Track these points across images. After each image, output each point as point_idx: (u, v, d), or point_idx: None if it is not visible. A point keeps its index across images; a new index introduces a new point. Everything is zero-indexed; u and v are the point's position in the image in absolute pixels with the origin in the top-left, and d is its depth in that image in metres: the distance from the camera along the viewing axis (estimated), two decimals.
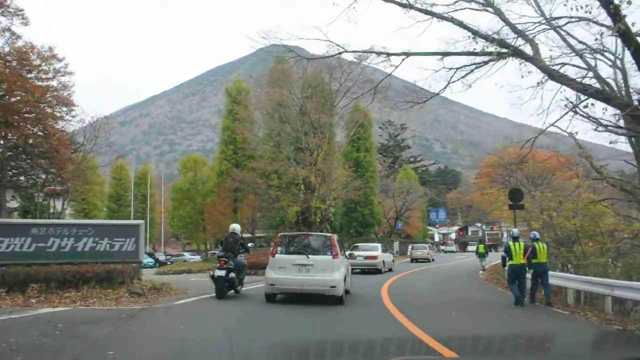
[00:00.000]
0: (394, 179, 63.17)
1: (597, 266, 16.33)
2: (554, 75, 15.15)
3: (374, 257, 27.60)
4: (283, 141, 32.31)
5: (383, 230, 57.44)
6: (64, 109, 24.90)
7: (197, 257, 50.25)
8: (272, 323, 10.32)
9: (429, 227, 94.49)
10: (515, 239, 14.72)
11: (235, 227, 15.52)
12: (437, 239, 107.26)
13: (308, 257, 12.83)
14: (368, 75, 29.73)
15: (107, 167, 42.66)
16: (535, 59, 15.28)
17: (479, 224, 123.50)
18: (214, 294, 14.11)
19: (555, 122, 19.36)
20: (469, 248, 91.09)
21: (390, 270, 29.53)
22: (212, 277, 14.24)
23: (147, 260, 52.82)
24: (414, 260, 44.48)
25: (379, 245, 31.30)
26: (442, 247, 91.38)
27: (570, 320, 11.86)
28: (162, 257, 55.15)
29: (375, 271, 27.14)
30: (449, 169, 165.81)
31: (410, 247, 52.45)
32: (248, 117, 35.82)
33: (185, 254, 58.45)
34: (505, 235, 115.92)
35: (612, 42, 17.94)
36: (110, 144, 33.38)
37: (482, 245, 37.05)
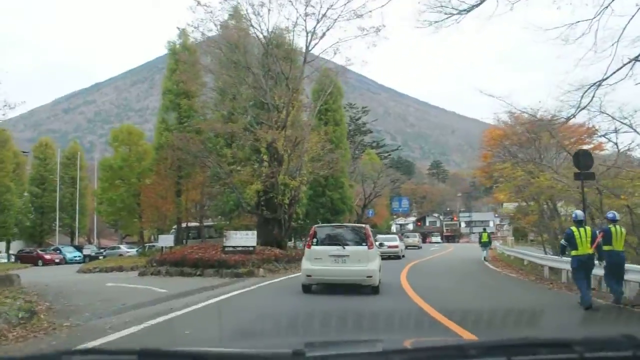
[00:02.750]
0: (359, 164, 55.60)
1: None
2: None
3: (396, 247, 31.96)
4: (241, 96, 23.89)
5: (349, 219, 49.71)
6: None
7: (134, 251, 41.37)
8: None
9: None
10: (579, 223, 11.33)
11: None
12: (394, 230, 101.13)
13: (344, 248, 12.61)
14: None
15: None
16: None
17: (436, 214, 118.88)
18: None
19: None
20: (433, 239, 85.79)
21: (403, 256, 32.46)
22: None
23: (74, 254, 43.66)
24: (406, 247, 46.66)
25: (396, 236, 37.74)
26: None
27: None
28: (91, 251, 45.73)
29: (396, 257, 30.32)
30: (403, 159, 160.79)
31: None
32: (195, 65, 27.15)
33: (122, 246, 49.10)
34: (463, 225, 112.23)
35: None
36: None
37: (486, 234, 31.66)
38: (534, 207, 25.66)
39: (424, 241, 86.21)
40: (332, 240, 13.03)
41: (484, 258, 30.13)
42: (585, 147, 28.24)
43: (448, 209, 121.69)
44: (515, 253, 26.97)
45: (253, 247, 20.44)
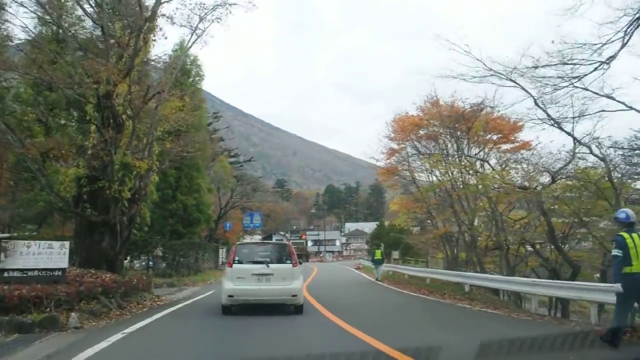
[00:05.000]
0: (214, 167, 46.86)
1: None
2: None
3: None
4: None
5: (202, 232, 40.49)
6: None
7: None
8: None
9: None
10: (629, 226, 7.27)
11: None
12: None
13: (268, 266, 11.55)
14: None
15: None
16: None
17: (282, 233, 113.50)
18: None
19: None
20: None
21: None
22: None
23: None
24: None
25: None
26: None
27: None
28: None
29: None
30: (248, 176, 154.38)
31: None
32: None
33: None
34: (310, 244, 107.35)
35: None
36: None
37: (379, 251, 27.39)
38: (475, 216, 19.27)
39: None
40: (255, 258, 11.79)
41: (377, 278, 25.72)
42: (507, 145, 22.95)
43: (294, 227, 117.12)
44: (442, 276, 20.17)
45: (61, 270, 11.06)
